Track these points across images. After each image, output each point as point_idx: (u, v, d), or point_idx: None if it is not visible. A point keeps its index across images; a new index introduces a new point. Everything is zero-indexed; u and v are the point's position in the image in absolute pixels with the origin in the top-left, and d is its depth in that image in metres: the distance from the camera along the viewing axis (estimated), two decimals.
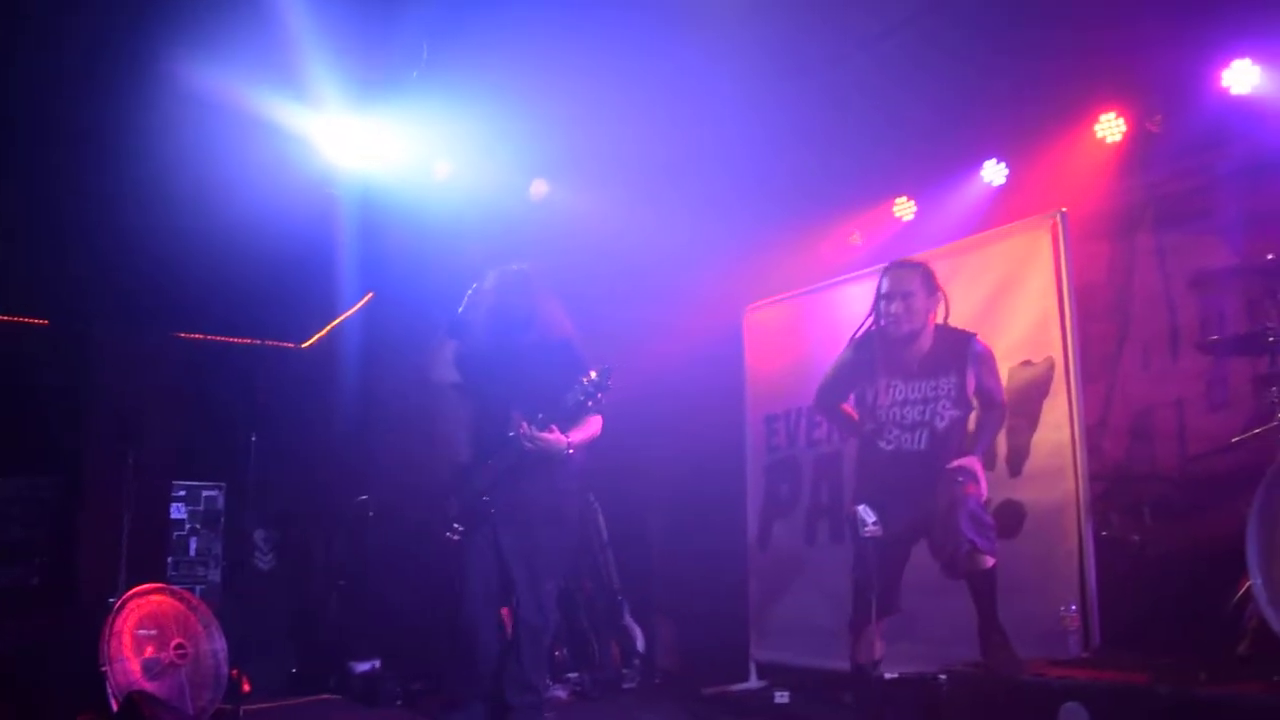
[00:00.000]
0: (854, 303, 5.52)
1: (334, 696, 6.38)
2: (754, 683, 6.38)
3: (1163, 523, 4.96)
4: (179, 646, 5.14)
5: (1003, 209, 5.84)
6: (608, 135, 6.34)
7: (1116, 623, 4.65)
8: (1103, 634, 4.61)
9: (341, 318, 7.08)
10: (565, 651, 6.34)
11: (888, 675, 4.39)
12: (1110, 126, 5.50)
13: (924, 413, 4.24)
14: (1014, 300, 5.26)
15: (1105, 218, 5.58)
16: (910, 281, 4.33)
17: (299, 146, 6.30)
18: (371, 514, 6.94)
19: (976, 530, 3.93)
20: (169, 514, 6.32)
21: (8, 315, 6.27)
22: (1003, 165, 5.97)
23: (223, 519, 6.48)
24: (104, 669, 4.83)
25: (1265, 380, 3.95)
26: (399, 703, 6.04)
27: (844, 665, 4.65)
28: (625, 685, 6.39)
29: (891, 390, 4.30)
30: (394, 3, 5.69)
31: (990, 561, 3.95)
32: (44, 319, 6.32)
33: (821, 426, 6.12)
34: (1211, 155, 5.17)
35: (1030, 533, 5.00)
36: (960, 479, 4.00)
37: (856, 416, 4.44)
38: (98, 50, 5.47)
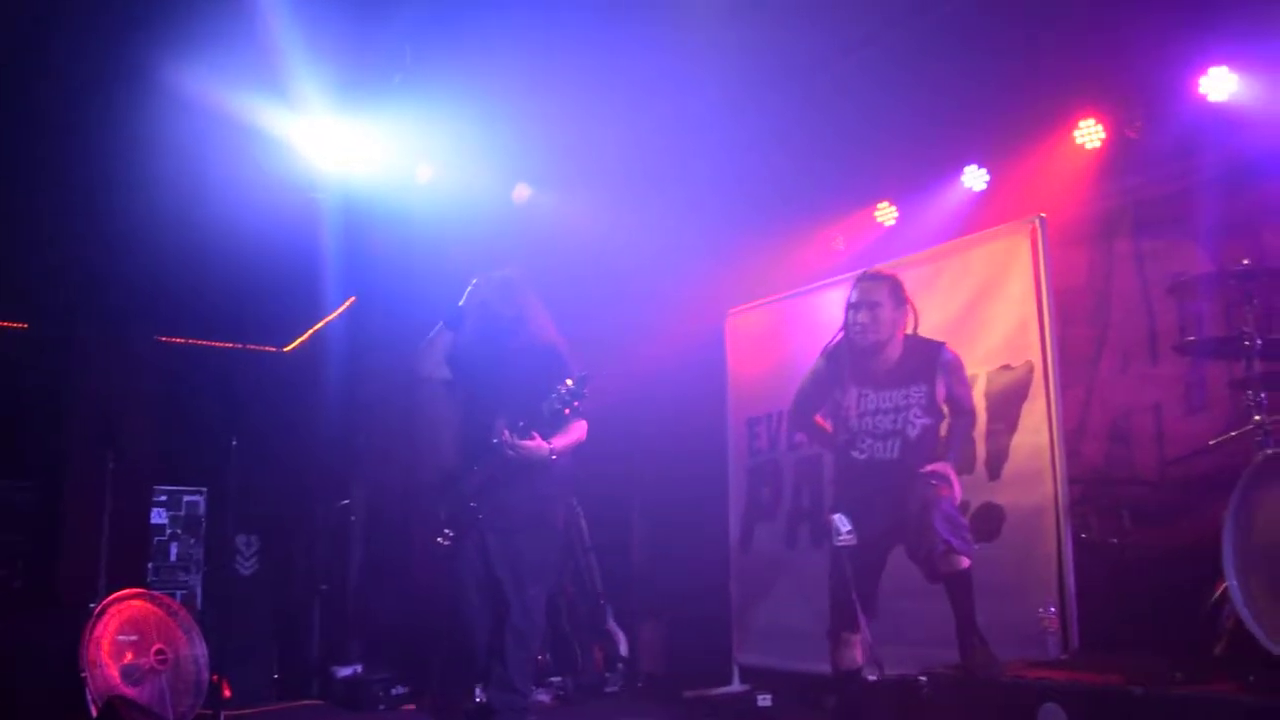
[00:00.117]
0: (835, 307, 5.46)
1: (317, 702, 6.38)
2: (737, 686, 6.39)
3: (1141, 525, 4.99)
4: (159, 652, 5.13)
5: (984, 214, 5.87)
6: (591, 139, 6.35)
7: (1095, 624, 4.69)
8: (1081, 636, 4.64)
9: (324, 322, 7.06)
10: (548, 656, 6.35)
11: (869, 678, 4.40)
12: (1090, 133, 5.54)
13: (896, 421, 4.26)
14: (994, 305, 5.29)
15: (1085, 223, 5.62)
16: (877, 292, 4.35)
17: (281, 150, 6.29)
18: (353, 518, 6.93)
19: (951, 531, 3.95)
20: (150, 519, 6.29)
21: None
22: (984, 171, 6.02)
23: (204, 524, 6.46)
24: (83, 674, 4.82)
25: (1241, 384, 3.98)
26: (382, 707, 6.03)
27: (827, 668, 4.66)
28: (608, 689, 6.40)
29: (863, 400, 4.32)
30: (377, 7, 5.69)
31: (966, 562, 3.96)
32: (24, 322, 6.29)
33: None
34: (1189, 161, 5.21)
35: (1009, 536, 5.04)
36: (933, 482, 4.02)
37: (830, 429, 4.46)
38: (80, 54, 5.46)
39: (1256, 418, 3.84)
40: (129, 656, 5.03)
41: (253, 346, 6.91)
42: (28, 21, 5.28)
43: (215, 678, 5.31)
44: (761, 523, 6.50)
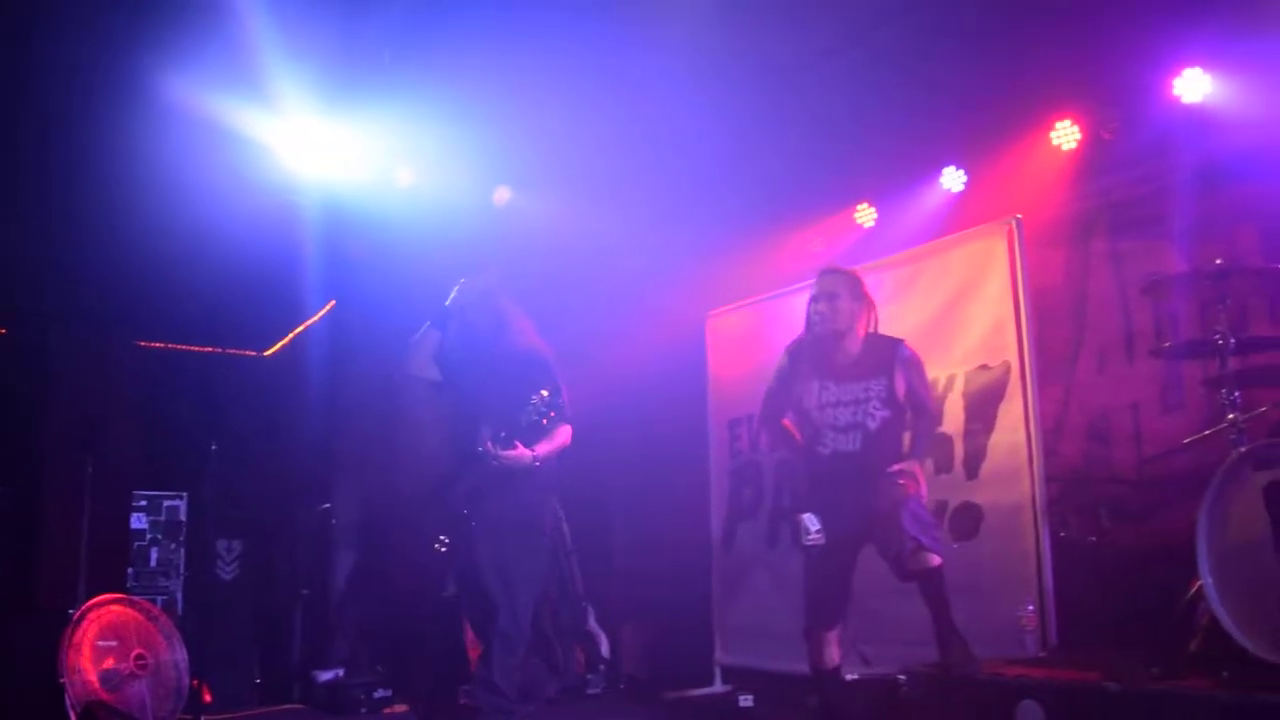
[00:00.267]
0: None
1: (298, 706, 6.36)
2: (718, 687, 6.40)
3: (1119, 523, 5.03)
4: (139, 658, 5.10)
5: (962, 215, 5.91)
6: (571, 142, 6.37)
7: (1073, 622, 4.72)
8: (1060, 633, 4.67)
9: (304, 325, 7.04)
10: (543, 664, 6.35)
11: (849, 677, 4.42)
12: (1066, 134, 5.58)
13: (856, 414, 4.28)
14: (971, 305, 5.32)
15: (1061, 224, 5.67)
16: (836, 285, 4.39)
17: (261, 154, 6.28)
18: (335, 522, 6.91)
19: (919, 528, 3.96)
20: (129, 523, 6.26)
21: None
22: (961, 172, 6.05)
23: (185, 528, 6.44)
24: (62, 680, 4.78)
25: (1216, 382, 4.01)
26: (364, 710, 6.02)
27: (807, 668, 4.68)
28: (590, 691, 6.40)
29: (824, 392, 4.34)
30: (356, 10, 5.69)
31: (936, 560, 3.97)
32: (3, 327, 6.25)
33: None
34: (1163, 162, 5.26)
35: (988, 534, 5.07)
36: (901, 481, 4.03)
37: (799, 436, 4.47)
38: (59, 57, 5.44)
39: (1230, 416, 3.87)
40: (109, 662, 5.01)
41: (233, 351, 6.89)
42: (6, 26, 5.25)
43: (196, 683, 5.29)
44: (743, 522, 6.52)
